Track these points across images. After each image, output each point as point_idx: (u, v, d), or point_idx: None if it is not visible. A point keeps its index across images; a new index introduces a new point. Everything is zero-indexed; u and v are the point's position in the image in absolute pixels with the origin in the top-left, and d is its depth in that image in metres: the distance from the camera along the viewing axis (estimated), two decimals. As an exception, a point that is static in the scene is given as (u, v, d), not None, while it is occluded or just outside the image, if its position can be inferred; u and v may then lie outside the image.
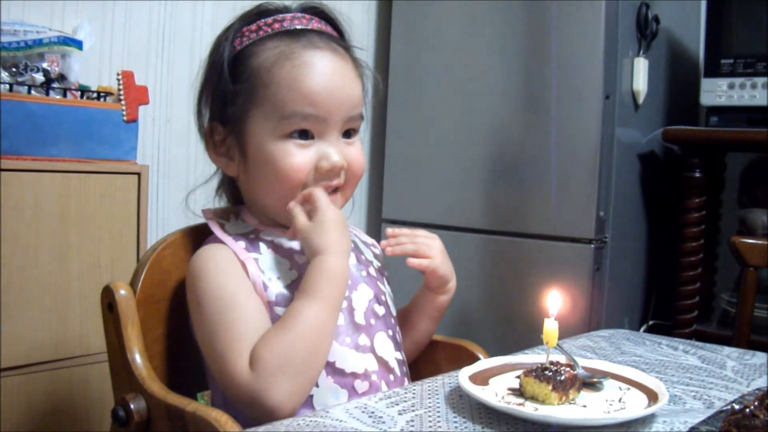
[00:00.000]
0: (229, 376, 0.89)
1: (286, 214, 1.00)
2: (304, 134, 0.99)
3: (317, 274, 0.94)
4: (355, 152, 1.04)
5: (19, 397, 1.39)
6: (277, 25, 1.01)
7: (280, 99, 0.98)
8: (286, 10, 1.04)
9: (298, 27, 1.02)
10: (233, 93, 1.00)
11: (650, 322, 2.26)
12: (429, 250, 1.08)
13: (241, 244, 1.00)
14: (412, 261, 1.07)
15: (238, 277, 0.96)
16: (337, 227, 0.97)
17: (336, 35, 1.06)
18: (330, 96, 0.99)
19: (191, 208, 1.10)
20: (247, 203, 1.08)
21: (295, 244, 1.03)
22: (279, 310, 0.96)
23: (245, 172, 1.03)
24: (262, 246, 1.01)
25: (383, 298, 1.08)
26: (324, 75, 0.99)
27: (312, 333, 0.90)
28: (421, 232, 1.10)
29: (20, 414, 1.39)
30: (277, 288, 0.97)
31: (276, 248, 1.02)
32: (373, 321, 1.03)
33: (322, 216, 0.97)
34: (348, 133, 1.04)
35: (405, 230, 1.10)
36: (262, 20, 1.02)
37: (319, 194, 0.99)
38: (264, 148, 0.99)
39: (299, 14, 1.03)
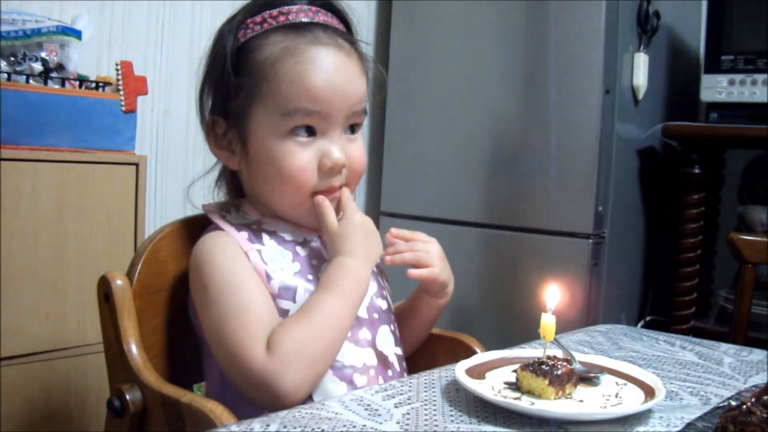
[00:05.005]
0: (243, 359, 0.88)
1: (295, 212, 1.02)
2: (307, 130, 0.99)
3: (336, 270, 0.96)
4: (357, 149, 1.03)
5: (16, 387, 1.38)
6: (282, 18, 1.00)
7: (284, 95, 0.97)
8: (292, 1, 1.02)
9: (304, 20, 1.00)
10: (236, 87, 0.99)
11: (648, 318, 2.26)
12: (428, 257, 1.07)
13: (244, 234, 1.00)
14: (413, 272, 1.06)
15: (245, 264, 0.97)
16: (361, 233, 0.99)
17: (342, 28, 1.05)
18: (334, 93, 0.98)
19: (190, 200, 1.10)
20: (248, 196, 1.07)
21: (297, 237, 1.03)
22: (282, 303, 0.96)
23: (247, 166, 1.02)
24: (265, 237, 1.01)
25: (384, 293, 1.08)
26: (328, 72, 0.98)
27: (330, 325, 0.91)
28: (420, 236, 1.09)
29: (17, 403, 1.39)
30: (280, 279, 0.97)
31: (278, 239, 1.02)
32: (376, 315, 1.03)
33: (348, 220, 0.99)
34: (352, 129, 1.03)
35: (404, 233, 1.08)
36: (267, 12, 1.00)
37: (347, 196, 1.01)
38: (266, 145, 0.98)
39: (305, 6, 1.02)
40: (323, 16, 1.02)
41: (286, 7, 1.01)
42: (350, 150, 1.02)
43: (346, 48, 1.01)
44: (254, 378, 0.88)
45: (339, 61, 0.99)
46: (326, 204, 1.00)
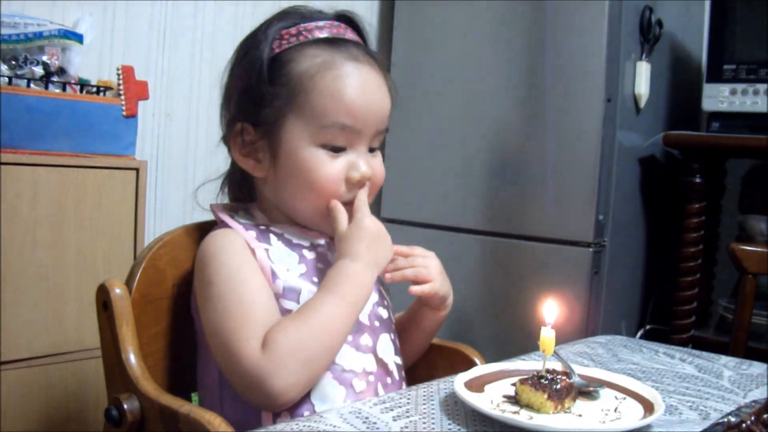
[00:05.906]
0: (238, 356, 0.89)
1: (318, 220, 1.03)
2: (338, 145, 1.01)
3: (338, 273, 0.96)
4: (379, 163, 1.06)
5: (15, 391, 1.38)
6: (317, 32, 1.02)
7: (322, 107, 0.99)
8: (321, 15, 1.05)
9: (337, 36, 1.03)
10: (271, 95, 1.00)
11: (647, 327, 2.26)
12: (428, 272, 1.07)
13: (252, 233, 1.01)
14: (414, 289, 1.07)
15: (251, 262, 0.97)
16: (369, 237, 0.99)
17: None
18: (367, 109, 1.01)
19: (194, 205, 1.11)
20: (264, 203, 1.07)
21: (304, 241, 1.03)
22: (286, 303, 0.96)
23: (275, 175, 1.03)
24: (272, 238, 1.02)
25: (385, 302, 1.08)
26: (363, 88, 1.01)
27: (328, 327, 0.91)
28: (418, 251, 1.10)
29: (16, 408, 1.39)
30: (285, 279, 0.98)
31: (286, 242, 1.02)
32: (377, 323, 1.03)
33: (356, 224, 0.99)
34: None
35: (403, 248, 1.09)
36: (302, 25, 1.02)
37: (361, 200, 1.01)
38: (298, 154, 1.00)
39: (336, 23, 1.04)
40: (351, 34, 1.05)
41: (321, 22, 1.03)
42: (373, 164, 1.04)
43: (376, 67, 1.04)
44: (247, 376, 0.88)
45: (372, 78, 1.03)
46: (339, 208, 1.00)
